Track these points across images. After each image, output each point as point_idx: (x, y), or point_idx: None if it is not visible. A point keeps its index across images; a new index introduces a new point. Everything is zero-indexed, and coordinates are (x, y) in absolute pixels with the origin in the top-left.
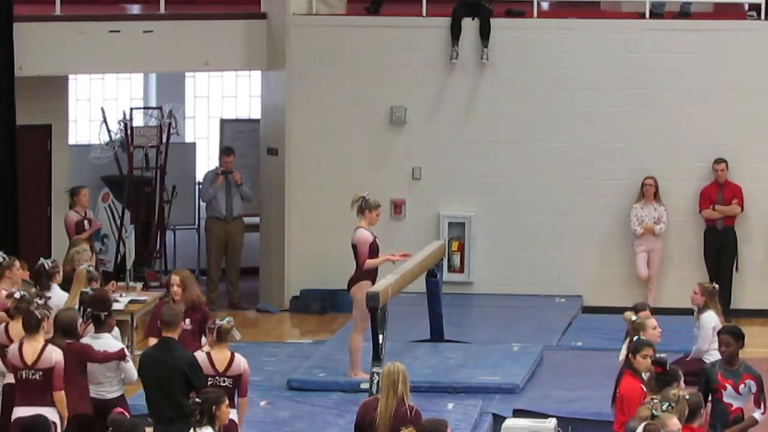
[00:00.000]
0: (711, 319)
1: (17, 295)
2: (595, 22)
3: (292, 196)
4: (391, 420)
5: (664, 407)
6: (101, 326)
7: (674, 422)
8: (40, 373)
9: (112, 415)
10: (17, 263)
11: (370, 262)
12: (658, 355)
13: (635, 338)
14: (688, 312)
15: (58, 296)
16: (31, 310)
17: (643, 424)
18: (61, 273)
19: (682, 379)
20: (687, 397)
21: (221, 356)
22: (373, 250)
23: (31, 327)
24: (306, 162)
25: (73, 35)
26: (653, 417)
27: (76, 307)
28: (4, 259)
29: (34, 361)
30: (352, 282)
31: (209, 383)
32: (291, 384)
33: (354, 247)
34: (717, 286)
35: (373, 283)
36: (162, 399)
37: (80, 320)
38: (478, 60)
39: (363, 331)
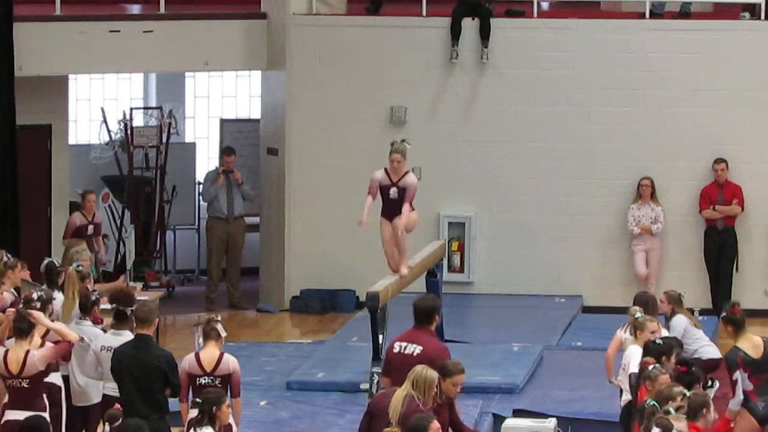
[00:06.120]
0: (681, 322)
1: (35, 296)
2: (595, 22)
3: (292, 196)
4: (402, 408)
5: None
6: (125, 323)
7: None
8: (27, 380)
9: (112, 411)
10: (20, 265)
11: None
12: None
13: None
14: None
15: (59, 299)
16: (22, 315)
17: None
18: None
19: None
20: (688, 394)
21: (209, 356)
22: (375, 190)
23: (21, 332)
24: (306, 162)
25: (73, 35)
26: (667, 413)
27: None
28: (9, 259)
29: (20, 370)
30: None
31: (198, 383)
32: (291, 384)
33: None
34: (683, 292)
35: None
36: (138, 396)
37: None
38: (478, 60)
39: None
